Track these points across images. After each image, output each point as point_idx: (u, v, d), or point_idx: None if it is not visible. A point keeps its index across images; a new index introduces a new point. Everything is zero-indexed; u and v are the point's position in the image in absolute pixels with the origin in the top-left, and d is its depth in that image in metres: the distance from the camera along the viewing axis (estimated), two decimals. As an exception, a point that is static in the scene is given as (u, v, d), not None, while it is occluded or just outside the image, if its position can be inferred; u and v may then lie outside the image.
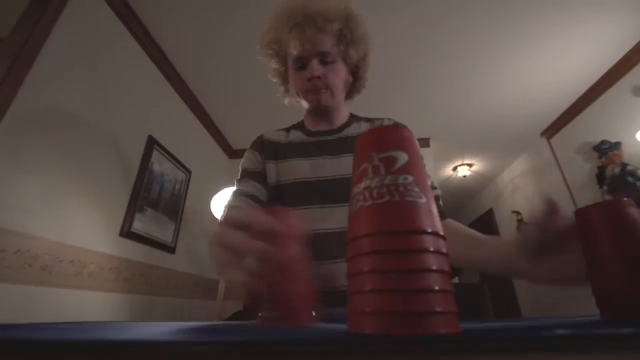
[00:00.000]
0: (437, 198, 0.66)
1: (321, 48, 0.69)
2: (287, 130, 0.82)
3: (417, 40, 2.10)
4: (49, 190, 1.31)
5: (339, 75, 0.73)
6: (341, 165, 0.70)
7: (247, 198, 0.67)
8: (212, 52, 2.11)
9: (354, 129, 0.77)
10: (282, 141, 0.78)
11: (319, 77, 0.69)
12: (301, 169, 0.71)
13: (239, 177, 0.74)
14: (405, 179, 0.24)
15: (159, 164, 2.04)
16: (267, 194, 0.71)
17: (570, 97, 2.70)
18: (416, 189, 0.24)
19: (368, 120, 0.82)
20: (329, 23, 0.68)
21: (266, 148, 0.76)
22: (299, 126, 0.82)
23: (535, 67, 2.34)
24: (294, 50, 0.70)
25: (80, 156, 1.48)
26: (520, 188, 3.80)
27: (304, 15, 0.68)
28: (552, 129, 3.07)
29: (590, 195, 2.66)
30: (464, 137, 3.27)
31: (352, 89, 0.83)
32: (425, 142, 3.24)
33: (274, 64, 0.78)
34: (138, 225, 1.79)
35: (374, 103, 2.65)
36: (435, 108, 2.81)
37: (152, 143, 1.98)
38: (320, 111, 0.75)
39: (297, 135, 0.79)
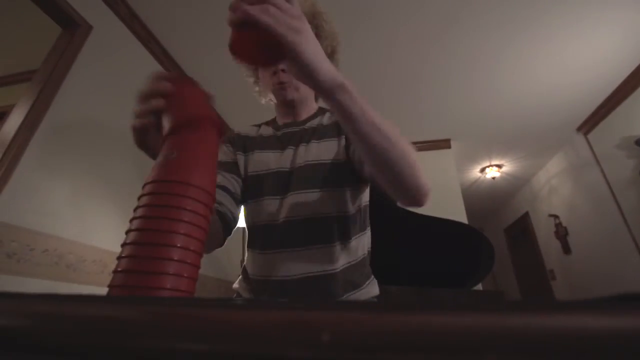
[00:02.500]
0: None
1: None
2: (259, 125, 0.85)
3: (436, 37, 2.05)
4: (74, 196, 1.48)
5: None
6: (299, 155, 0.72)
7: (218, 189, 0.71)
8: (220, 62, 2.24)
9: (317, 121, 0.78)
10: (251, 135, 0.81)
11: (283, 71, 0.71)
12: (265, 160, 0.74)
13: None
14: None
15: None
16: (238, 183, 0.74)
17: (606, 89, 2.46)
18: None
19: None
20: None
21: (237, 141, 0.80)
22: (271, 122, 0.86)
23: (566, 58, 2.17)
24: None
25: (103, 164, 1.65)
26: (557, 189, 3.51)
27: None
28: (589, 124, 2.82)
29: (635, 194, 2.40)
30: (490, 137, 3.10)
31: None
32: (445, 144, 3.12)
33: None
34: (157, 229, 1.93)
35: (389, 103, 2.63)
36: (455, 107, 2.70)
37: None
38: (287, 105, 0.78)
39: (266, 130, 0.82)
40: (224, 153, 0.79)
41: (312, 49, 0.37)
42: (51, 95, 1.41)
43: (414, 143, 2.93)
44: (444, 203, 2.80)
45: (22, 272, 1.22)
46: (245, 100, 2.60)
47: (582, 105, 2.66)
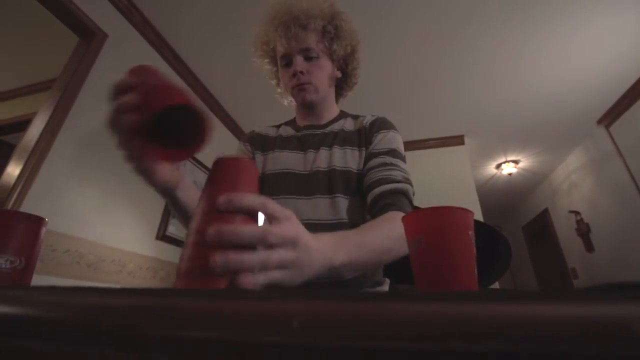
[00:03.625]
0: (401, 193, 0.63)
1: (304, 44, 0.72)
2: (278, 126, 0.86)
3: (448, 33, 2.02)
4: (94, 199, 1.54)
5: (323, 71, 0.75)
6: (320, 159, 0.72)
7: None
8: (230, 64, 2.27)
9: (338, 125, 0.79)
10: (271, 135, 0.83)
11: (302, 73, 0.72)
12: (285, 160, 0.75)
13: None
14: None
15: (192, 174, 2.24)
16: None
17: (628, 79, 2.36)
18: None
19: (354, 117, 0.82)
20: (312, 20, 0.72)
21: (256, 140, 0.82)
22: (290, 122, 0.86)
23: (584, 48, 2.09)
24: (280, 48, 0.74)
25: (120, 167, 1.70)
26: (577, 185, 3.39)
27: (289, 14, 0.72)
28: (610, 116, 2.70)
29: (661, 189, 2.29)
30: (505, 132, 3.02)
31: (342, 85, 0.85)
32: (458, 140, 3.06)
33: (267, 65, 0.83)
34: (172, 230, 1.98)
35: (400, 100, 2.61)
36: (468, 103, 2.65)
37: (184, 155, 2.19)
38: (307, 106, 0.78)
39: (286, 130, 0.83)
40: (243, 152, 0.81)
41: (305, 271, 0.34)
42: (69, 102, 1.47)
43: (426, 140, 2.90)
44: (458, 201, 2.75)
45: (46, 272, 1.28)
46: (255, 102, 2.63)
47: (603, 97, 2.55)
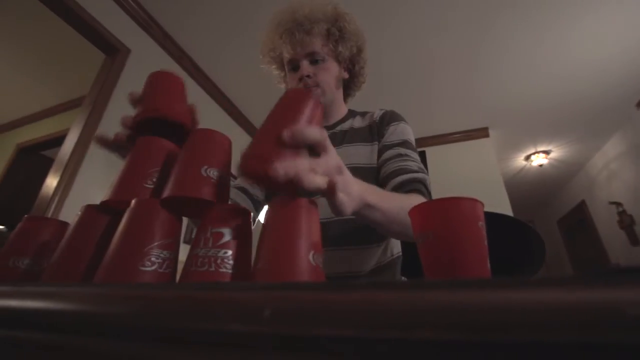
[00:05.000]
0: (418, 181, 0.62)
1: (310, 49, 0.73)
2: None
3: (469, 19, 1.96)
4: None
5: (330, 73, 0.76)
6: None
7: (237, 190, 0.75)
8: (251, 69, 2.31)
9: (347, 124, 0.79)
10: None
11: (308, 76, 0.73)
12: None
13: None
14: (225, 252, 0.30)
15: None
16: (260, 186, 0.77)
17: (670, 56, 2.17)
18: (231, 262, 0.30)
19: (362, 114, 0.82)
20: (316, 24, 0.72)
21: None
22: None
23: (618, 25, 1.94)
24: (286, 54, 0.76)
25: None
26: (617, 174, 3.16)
27: (293, 20, 0.73)
28: (652, 98, 2.50)
29: None
30: (532, 121, 2.87)
31: (351, 85, 0.85)
32: (483, 132, 2.95)
33: (275, 71, 0.84)
34: (198, 234, 2.05)
35: (419, 94, 2.55)
36: (490, 93, 2.54)
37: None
38: None
39: None
40: None
41: (346, 197, 0.36)
42: (99, 116, 1.55)
43: (449, 134, 2.82)
44: (484, 195, 2.60)
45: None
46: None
47: (641, 78, 2.37)
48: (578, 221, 3.96)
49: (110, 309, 0.13)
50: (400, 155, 0.66)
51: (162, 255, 0.30)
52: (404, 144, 0.68)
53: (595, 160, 3.47)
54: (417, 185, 0.60)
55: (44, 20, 1.92)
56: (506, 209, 2.61)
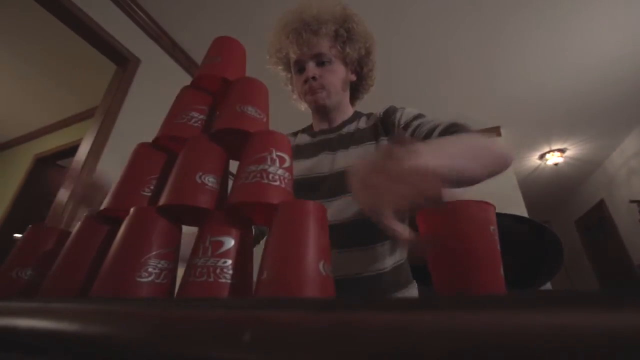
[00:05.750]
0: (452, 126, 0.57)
1: (317, 50, 0.72)
2: (295, 134, 0.86)
3: (473, 13, 1.93)
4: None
5: (336, 75, 0.74)
6: (337, 161, 0.71)
7: None
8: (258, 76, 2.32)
9: (353, 126, 0.77)
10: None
11: (314, 78, 0.72)
12: (302, 168, 0.75)
13: None
14: (225, 262, 0.28)
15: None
16: None
17: (691, 47, 2.08)
18: (231, 272, 0.28)
19: (368, 115, 0.80)
20: (324, 25, 0.71)
21: None
22: (307, 129, 0.86)
23: (636, 16, 1.87)
24: (293, 54, 0.75)
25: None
26: (637, 171, 3.04)
27: (300, 20, 0.72)
28: (672, 92, 2.40)
29: None
30: (546, 119, 2.80)
31: (358, 88, 0.84)
32: (495, 132, 2.88)
33: (281, 72, 0.83)
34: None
35: (428, 92, 2.51)
36: (501, 90, 2.48)
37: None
38: (320, 111, 0.78)
39: (303, 138, 0.83)
40: None
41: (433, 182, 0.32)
42: (110, 126, 1.59)
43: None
44: (498, 196, 2.55)
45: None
46: (284, 116, 2.67)
47: (662, 71, 2.27)
48: (597, 220, 3.82)
49: (73, 327, 0.12)
50: (422, 123, 0.62)
51: (159, 265, 0.29)
52: (419, 116, 0.65)
53: (614, 157, 3.36)
54: (457, 128, 0.55)
55: (62, 32, 1.98)
56: (521, 210, 2.54)
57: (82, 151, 1.52)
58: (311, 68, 0.72)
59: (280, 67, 0.83)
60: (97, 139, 1.52)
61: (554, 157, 3.31)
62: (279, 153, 0.33)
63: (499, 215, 1.08)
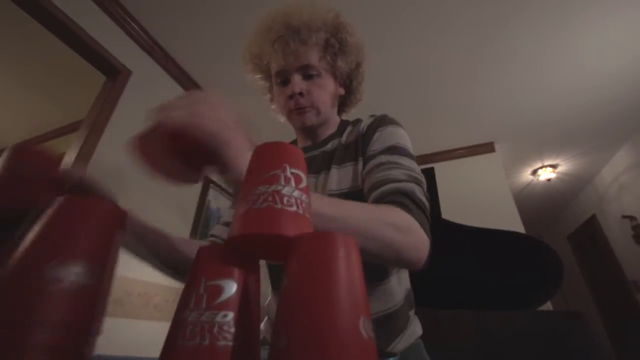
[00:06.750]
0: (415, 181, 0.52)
1: (304, 61, 0.63)
2: None
3: (470, 30, 1.94)
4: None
5: (325, 90, 0.66)
6: (320, 185, 0.64)
7: (223, 226, 0.68)
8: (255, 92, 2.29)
9: (337, 142, 0.69)
10: None
11: (301, 94, 0.63)
12: None
13: (230, 206, 0.75)
14: (225, 316, 0.22)
15: (215, 200, 2.23)
16: None
17: (677, 66, 2.14)
18: (233, 330, 0.21)
19: (355, 123, 0.72)
20: (314, 33, 0.63)
21: None
22: (292, 144, 0.80)
23: (625, 35, 1.91)
24: (275, 64, 0.66)
25: (145, 204, 1.71)
26: (628, 186, 3.08)
27: (287, 26, 0.62)
28: (660, 109, 2.46)
29: None
30: (538, 135, 2.83)
31: (346, 102, 0.76)
32: (488, 147, 2.90)
33: (259, 80, 0.75)
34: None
35: (421, 108, 2.51)
36: (495, 106, 2.50)
37: (208, 182, 2.19)
38: (306, 131, 0.70)
39: None
40: None
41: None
42: (96, 139, 1.51)
43: (453, 150, 2.77)
44: (494, 212, 2.56)
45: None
46: (281, 126, 2.63)
47: (648, 88, 2.33)
48: (590, 236, 3.84)
49: None
50: (382, 164, 0.53)
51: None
52: (390, 149, 0.56)
53: (603, 173, 3.41)
54: (398, 198, 0.47)
55: (44, 41, 1.91)
56: (517, 226, 2.52)
57: (64, 164, 1.43)
58: (297, 82, 0.63)
59: (258, 76, 0.74)
60: (82, 150, 1.43)
61: (546, 172, 3.34)
62: (293, 170, 0.26)
63: (497, 232, 1.01)
